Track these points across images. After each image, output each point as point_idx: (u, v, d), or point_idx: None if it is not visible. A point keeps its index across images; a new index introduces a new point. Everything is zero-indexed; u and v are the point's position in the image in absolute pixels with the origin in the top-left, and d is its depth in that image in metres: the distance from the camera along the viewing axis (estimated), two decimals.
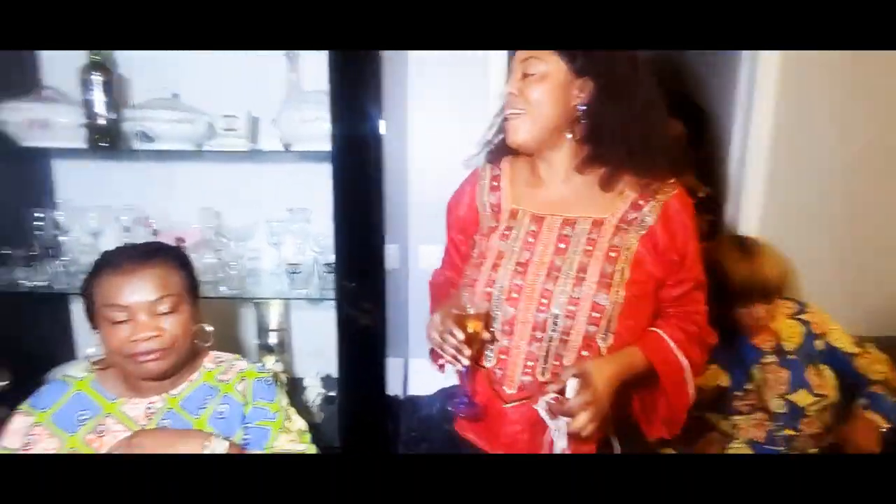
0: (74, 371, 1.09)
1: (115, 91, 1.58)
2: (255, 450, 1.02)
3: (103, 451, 0.95)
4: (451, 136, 1.74)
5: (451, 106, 1.84)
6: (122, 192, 1.75)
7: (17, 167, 1.70)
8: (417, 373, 1.91)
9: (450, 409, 1.07)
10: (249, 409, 1.06)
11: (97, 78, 1.51)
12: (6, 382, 1.56)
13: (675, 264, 1.00)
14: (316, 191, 1.63)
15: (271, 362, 1.63)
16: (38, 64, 1.73)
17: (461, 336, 0.94)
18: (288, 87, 1.67)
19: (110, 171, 1.80)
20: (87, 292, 0.99)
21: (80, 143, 1.57)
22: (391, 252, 1.53)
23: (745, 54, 1.91)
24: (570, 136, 1.00)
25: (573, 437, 0.89)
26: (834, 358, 1.49)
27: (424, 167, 1.88)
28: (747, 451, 1.51)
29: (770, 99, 1.85)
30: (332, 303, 1.46)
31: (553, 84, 0.96)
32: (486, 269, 1.02)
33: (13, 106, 1.55)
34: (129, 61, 1.70)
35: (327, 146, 1.40)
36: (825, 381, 1.48)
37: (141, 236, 1.65)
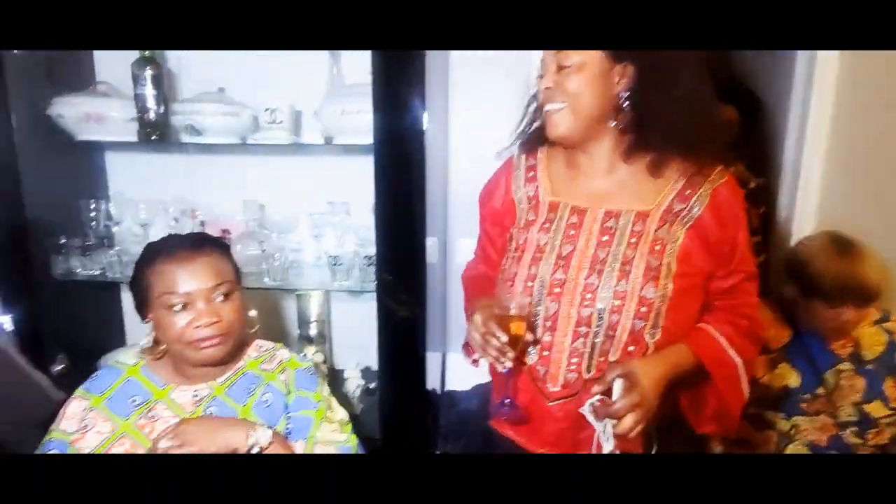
0: (125, 357, 1.12)
1: (165, 86, 1.62)
2: (297, 439, 1.03)
3: (154, 435, 0.98)
4: (491, 130, 1.71)
5: (493, 100, 1.81)
6: (169, 184, 1.80)
7: (73, 159, 1.77)
8: (455, 367, 1.90)
9: (493, 414, 1.05)
10: (292, 399, 1.07)
11: (148, 73, 1.55)
12: (63, 367, 1.63)
13: (725, 255, 0.96)
14: (356, 184, 1.63)
15: (311, 353, 1.65)
16: (92, 59, 1.79)
17: (505, 338, 0.92)
18: (329, 81, 1.68)
19: (159, 164, 1.86)
20: (139, 282, 1.01)
21: (132, 136, 1.62)
22: (430, 245, 1.52)
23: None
24: (613, 124, 0.96)
25: (620, 438, 0.87)
26: None
27: (464, 161, 1.86)
28: (805, 452, 1.44)
29: (830, 88, 1.75)
30: (373, 295, 1.46)
31: (592, 73, 0.92)
32: (526, 263, 1.00)
33: (70, 100, 1.61)
34: (177, 56, 1.74)
35: (368, 139, 1.40)
36: None
37: (188, 228, 1.69)
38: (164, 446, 0.89)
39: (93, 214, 1.72)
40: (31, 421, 1.39)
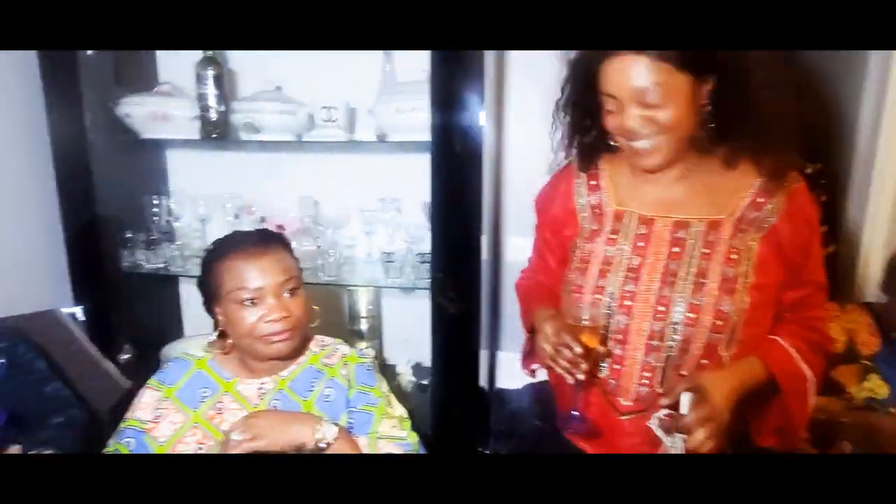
0: (191, 349, 1.15)
1: (225, 85, 1.66)
2: (359, 434, 1.04)
3: (223, 427, 1.00)
4: (546, 130, 1.70)
5: (548, 99, 1.79)
6: (226, 181, 1.85)
7: (137, 157, 1.84)
8: (505, 366, 1.89)
9: (561, 426, 1.03)
10: (353, 394, 1.08)
11: (210, 73, 1.60)
12: (129, 356, 1.70)
13: (798, 265, 0.92)
14: (408, 181, 1.64)
15: (362, 348, 1.67)
16: (155, 60, 1.85)
17: (579, 349, 0.90)
18: (382, 79, 1.69)
19: (217, 161, 1.91)
20: (208, 278, 1.03)
21: (194, 134, 1.67)
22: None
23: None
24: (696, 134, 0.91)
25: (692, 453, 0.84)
26: None
27: (517, 158, 1.84)
28: None
29: None
30: (424, 292, 1.47)
31: (682, 100, 0.85)
32: (593, 275, 0.97)
33: (136, 100, 1.67)
34: (236, 56, 1.79)
35: (422, 136, 1.40)
36: None
37: (246, 223, 1.74)
38: (237, 439, 0.91)
39: (155, 210, 1.79)
40: (99, 406, 1.46)
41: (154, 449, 1.00)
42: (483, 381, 1.69)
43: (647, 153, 0.90)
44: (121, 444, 1.03)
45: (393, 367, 1.79)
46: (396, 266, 1.63)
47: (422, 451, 1.09)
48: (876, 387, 1.38)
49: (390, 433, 1.06)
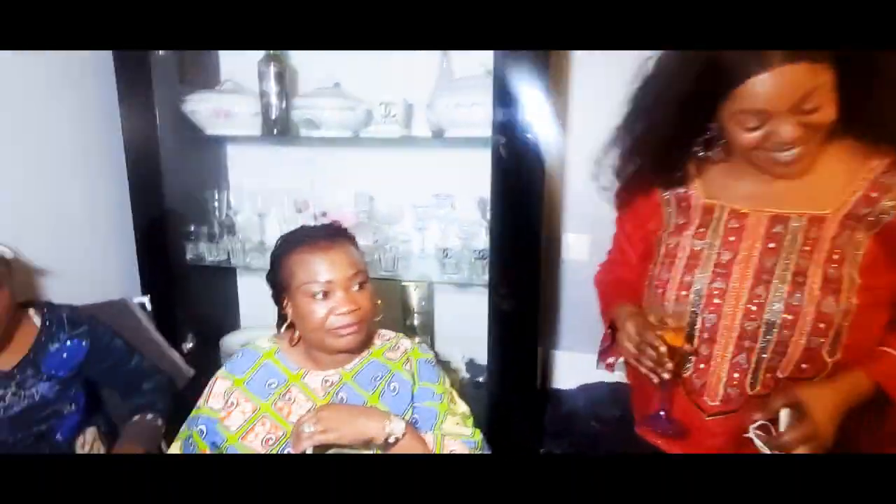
0: (260, 341, 1.17)
1: (287, 81, 1.69)
2: (424, 430, 1.04)
3: (291, 418, 1.02)
4: (609, 131, 1.66)
5: (610, 98, 1.74)
6: (283, 176, 1.89)
7: (200, 153, 1.89)
8: (561, 365, 1.86)
9: (643, 424, 1.01)
10: (417, 389, 1.08)
11: (272, 70, 1.63)
12: (192, 345, 1.76)
13: None
14: (462, 177, 1.64)
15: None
16: (217, 58, 1.90)
17: (663, 349, 0.87)
18: (440, 74, 1.68)
19: (274, 156, 1.95)
20: (279, 272, 1.05)
21: (256, 130, 1.71)
22: None
23: None
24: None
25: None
26: None
27: (579, 156, 1.81)
28: None
29: None
30: (479, 288, 1.46)
31: (832, 98, 0.80)
32: (679, 270, 0.93)
33: (201, 97, 1.72)
34: (296, 53, 1.81)
35: (481, 132, 1.39)
36: None
37: (306, 218, 1.77)
38: (308, 431, 0.92)
39: (216, 205, 1.84)
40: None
41: (226, 437, 1.03)
42: (538, 381, 1.68)
43: (794, 160, 0.84)
44: (194, 430, 1.05)
45: (447, 363, 1.79)
46: (452, 262, 1.63)
47: (486, 449, 1.08)
48: None
49: (454, 430, 1.05)
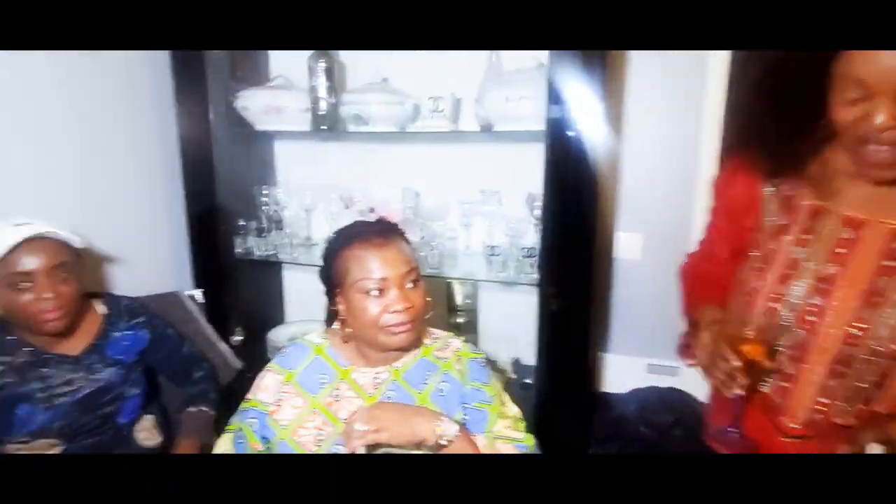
0: (310, 336, 1.16)
1: (335, 77, 1.69)
2: (475, 432, 1.01)
3: (341, 414, 1.01)
4: (663, 129, 1.61)
5: (666, 98, 1.68)
6: (330, 171, 1.89)
7: (250, 148, 1.92)
8: (613, 368, 1.81)
9: (714, 437, 0.96)
10: (467, 389, 1.06)
11: (322, 66, 1.63)
12: (241, 338, 1.78)
13: None
14: (510, 173, 1.60)
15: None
16: (266, 54, 1.92)
17: (737, 363, 0.80)
18: (489, 67, 1.65)
19: (322, 151, 1.96)
20: (333, 268, 1.04)
21: (305, 126, 1.71)
22: None
23: None
24: None
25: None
26: None
27: (634, 154, 1.75)
28: None
29: None
30: (525, 287, 1.42)
31: None
32: (772, 279, 0.85)
33: (253, 93, 1.74)
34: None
35: (530, 126, 1.35)
36: None
37: (349, 214, 1.77)
38: (361, 429, 0.91)
39: (264, 200, 1.86)
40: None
41: (276, 432, 1.03)
42: (587, 383, 1.63)
43: (890, 162, 0.74)
44: (244, 423, 1.06)
45: (493, 363, 1.76)
46: (499, 259, 1.60)
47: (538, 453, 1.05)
48: None
49: (506, 433, 1.03)
